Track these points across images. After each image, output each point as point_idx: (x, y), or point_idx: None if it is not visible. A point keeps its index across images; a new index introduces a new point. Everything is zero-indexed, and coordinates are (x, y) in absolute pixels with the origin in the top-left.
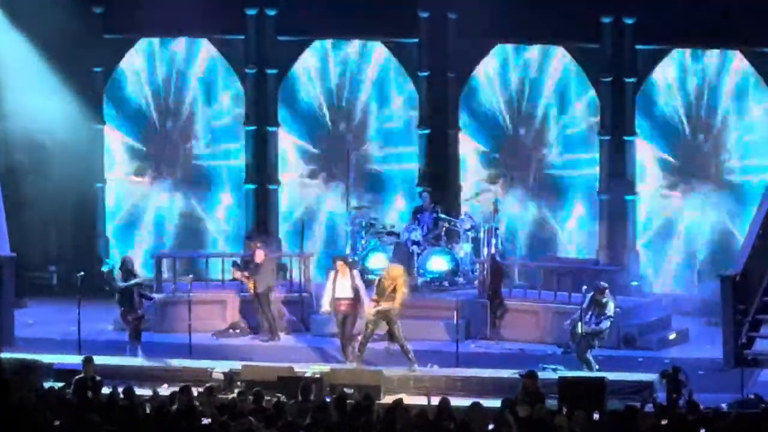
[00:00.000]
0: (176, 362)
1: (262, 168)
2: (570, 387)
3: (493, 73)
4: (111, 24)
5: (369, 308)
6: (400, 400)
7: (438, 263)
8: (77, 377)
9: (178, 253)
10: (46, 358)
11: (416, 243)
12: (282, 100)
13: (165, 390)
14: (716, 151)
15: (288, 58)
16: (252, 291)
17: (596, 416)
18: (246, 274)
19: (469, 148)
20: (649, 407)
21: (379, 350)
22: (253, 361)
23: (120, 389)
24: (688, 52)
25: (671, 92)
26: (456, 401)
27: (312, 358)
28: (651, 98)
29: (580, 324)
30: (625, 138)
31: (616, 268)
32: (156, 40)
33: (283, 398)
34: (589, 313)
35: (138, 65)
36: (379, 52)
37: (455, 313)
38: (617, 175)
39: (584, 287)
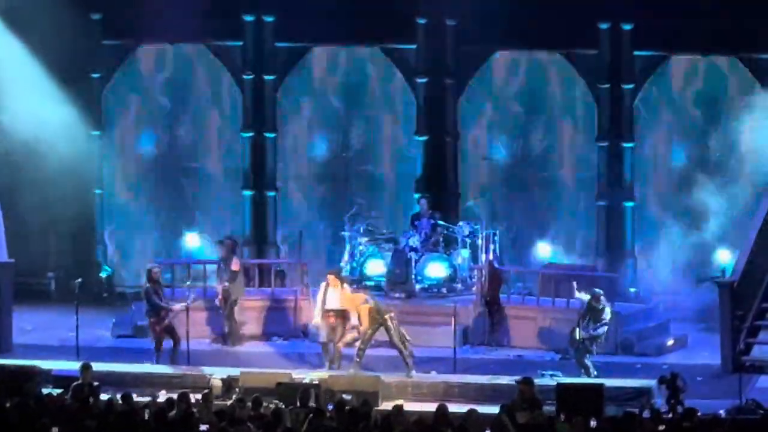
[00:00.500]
0: (174, 368)
1: (260, 174)
2: (568, 393)
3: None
4: (109, 30)
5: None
6: (400, 406)
7: (436, 269)
8: (75, 383)
9: (175, 260)
10: (45, 365)
11: (414, 249)
12: (281, 106)
13: (163, 396)
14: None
15: (286, 65)
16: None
17: (594, 423)
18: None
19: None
20: (647, 414)
21: (377, 356)
22: (252, 367)
23: (118, 395)
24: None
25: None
26: (454, 408)
27: (310, 365)
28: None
29: (577, 330)
30: (623, 144)
31: (613, 274)
32: (154, 46)
33: (281, 405)
34: (586, 318)
35: (136, 71)
36: (377, 58)
37: (453, 319)
38: (615, 182)
39: (574, 282)
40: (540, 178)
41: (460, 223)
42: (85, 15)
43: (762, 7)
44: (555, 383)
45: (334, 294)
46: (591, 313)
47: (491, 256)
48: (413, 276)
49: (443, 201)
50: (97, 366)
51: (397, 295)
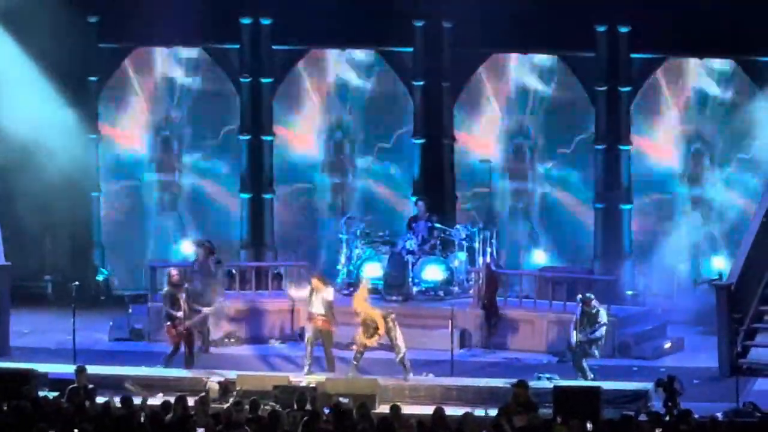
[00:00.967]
0: (171, 371)
1: (257, 177)
2: (565, 396)
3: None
4: (106, 33)
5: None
6: (397, 407)
7: (433, 272)
8: (70, 387)
9: (174, 263)
10: (42, 368)
11: (411, 252)
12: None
13: (159, 399)
14: (714, 160)
15: (283, 67)
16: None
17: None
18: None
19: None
20: (643, 417)
21: (374, 360)
22: (249, 370)
23: (116, 398)
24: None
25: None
26: (452, 411)
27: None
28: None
29: (575, 333)
30: (621, 147)
31: (611, 277)
32: (151, 49)
33: (278, 407)
34: (583, 323)
35: (133, 74)
36: (374, 60)
37: (450, 322)
38: (613, 184)
39: (578, 296)
40: (537, 179)
41: (457, 226)
42: (82, 18)
43: (759, 10)
44: (552, 386)
45: (319, 297)
46: (585, 317)
47: (488, 259)
48: (410, 279)
49: (440, 204)
50: (95, 369)
51: (394, 298)
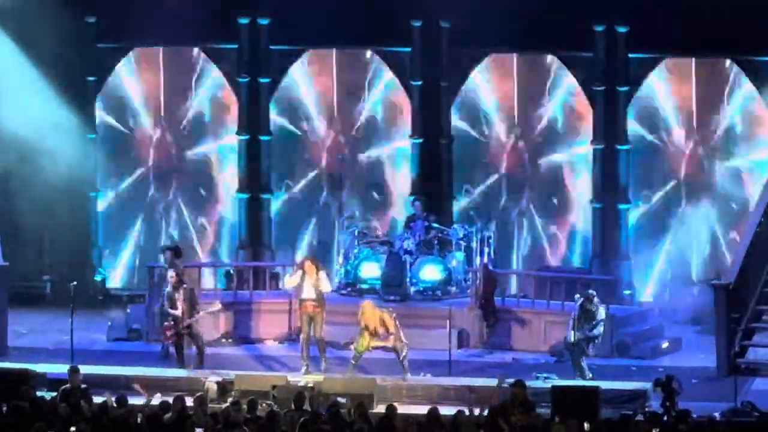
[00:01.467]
0: (169, 371)
1: (255, 177)
2: (563, 396)
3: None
4: (104, 33)
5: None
6: (393, 407)
7: (430, 272)
8: (63, 387)
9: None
10: (40, 368)
11: (409, 252)
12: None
13: (158, 399)
14: (710, 160)
15: (281, 67)
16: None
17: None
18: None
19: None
20: (640, 417)
21: (372, 359)
22: (247, 370)
23: (113, 398)
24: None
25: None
26: (449, 410)
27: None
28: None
29: (573, 332)
30: (618, 147)
31: (609, 277)
32: (148, 50)
33: (276, 407)
34: (581, 321)
35: (130, 74)
36: (372, 60)
37: (448, 322)
38: (610, 184)
39: (576, 296)
40: (535, 179)
41: (455, 226)
42: (79, 18)
43: (757, 9)
44: (550, 386)
45: (310, 281)
46: (585, 314)
47: (486, 259)
48: (408, 279)
49: (438, 203)
50: (92, 369)
51: (391, 298)
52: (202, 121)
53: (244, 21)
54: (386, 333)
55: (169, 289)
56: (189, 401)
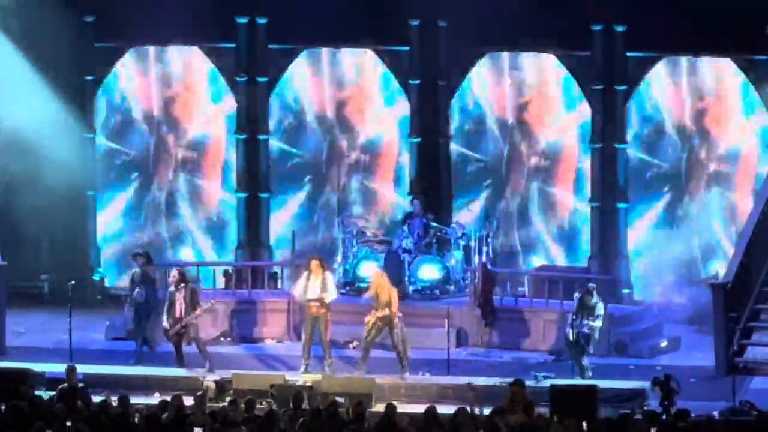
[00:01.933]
0: (167, 371)
1: (253, 176)
2: (562, 395)
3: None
4: (102, 32)
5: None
6: (393, 406)
7: (429, 271)
8: (60, 386)
9: (170, 261)
10: (38, 367)
11: (407, 251)
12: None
13: (156, 398)
14: (708, 158)
15: (279, 67)
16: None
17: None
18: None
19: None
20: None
21: (371, 358)
22: (245, 369)
23: (113, 398)
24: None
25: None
26: (448, 409)
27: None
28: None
29: (572, 331)
30: (616, 146)
31: (607, 276)
32: (147, 49)
33: (274, 406)
34: (579, 316)
35: (129, 73)
36: (370, 59)
37: (446, 321)
38: (608, 183)
39: (575, 294)
40: (532, 179)
41: (453, 225)
42: (78, 17)
43: (755, 8)
44: (549, 385)
45: (316, 282)
46: (584, 309)
47: (484, 258)
48: (406, 278)
49: (436, 202)
50: (91, 369)
51: None
52: (200, 119)
53: (242, 20)
54: (388, 303)
55: (171, 288)
56: (187, 400)
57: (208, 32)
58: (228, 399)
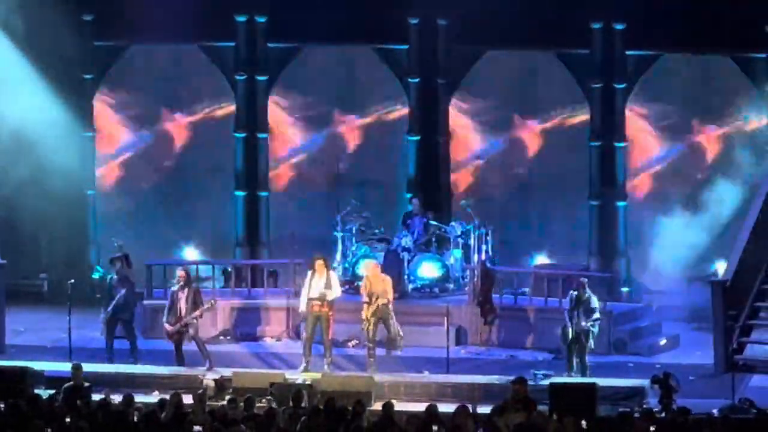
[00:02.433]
0: (167, 369)
1: (252, 174)
2: (561, 393)
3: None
4: (101, 31)
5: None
6: (390, 404)
7: (428, 270)
8: (66, 385)
9: (168, 261)
10: (37, 366)
11: (407, 249)
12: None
13: (156, 397)
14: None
15: (278, 65)
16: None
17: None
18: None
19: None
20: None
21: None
22: (244, 368)
23: (113, 396)
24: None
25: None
26: (448, 408)
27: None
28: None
29: (571, 328)
30: (616, 144)
31: (606, 274)
32: (146, 47)
33: (274, 405)
34: (575, 313)
35: (128, 72)
36: (369, 57)
37: (446, 319)
38: (608, 181)
39: (572, 292)
40: (532, 177)
41: (453, 223)
42: (77, 16)
43: (754, 6)
44: (548, 383)
45: (320, 282)
46: (580, 305)
47: (483, 256)
48: (406, 276)
49: (435, 201)
50: (89, 367)
51: None
52: (200, 118)
53: (241, 18)
54: (384, 292)
55: (175, 287)
56: (187, 399)
57: (208, 30)
58: (227, 397)
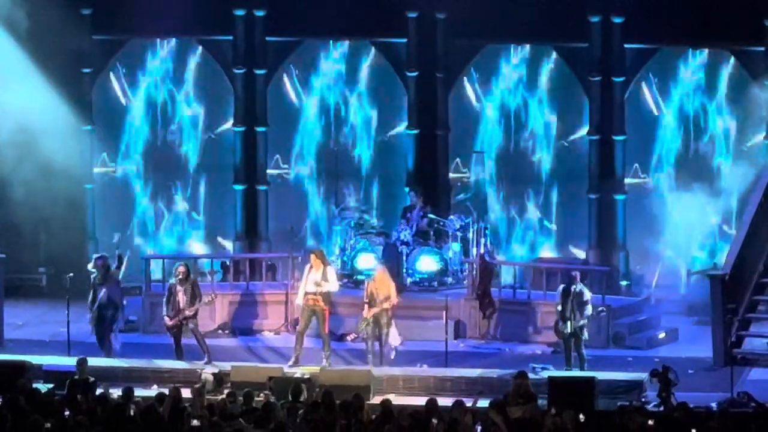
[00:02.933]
0: (166, 363)
1: (251, 168)
2: (560, 387)
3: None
4: (100, 25)
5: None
6: (389, 401)
7: (427, 263)
8: (71, 378)
9: (166, 254)
10: (36, 360)
11: (405, 243)
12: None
13: (154, 391)
14: (706, 150)
15: (276, 59)
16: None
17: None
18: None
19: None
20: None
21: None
22: (243, 362)
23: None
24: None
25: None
26: (446, 401)
27: (301, 359)
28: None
29: (569, 323)
30: (614, 137)
31: (605, 267)
32: (144, 41)
33: (273, 399)
34: (571, 306)
35: (126, 66)
36: (368, 52)
37: (444, 313)
38: (607, 175)
39: (561, 286)
40: (530, 171)
41: (451, 217)
42: (75, 10)
43: (753, 1)
44: (547, 377)
45: (316, 275)
46: (573, 300)
47: (482, 250)
48: (404, 270)
49: (434, 194)
50: (89, 361)
51: None
52: (198, 112)
53: (240, 12)
54: (386, 298)
55: (173, 281)
56: (185, 393)
57: (206, 24)
58: (226, 391)
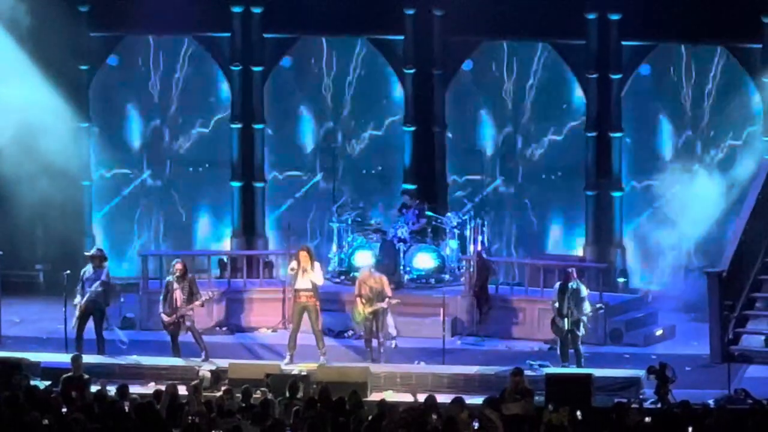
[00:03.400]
0: (163, 360)
1: (248, 165)
2: (557, 384)
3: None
4: (97, 22)
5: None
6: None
7: (424, 260)
8: (66, 375)
9: (164, 252)
10: (33, 357)
11: (402, 240)
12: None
13: (151, 388)
14: (704, 146)
15: (274, 56)
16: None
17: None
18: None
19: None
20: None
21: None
22: (240, 358)
23: (108, 387)
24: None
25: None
26: (443, 398)
27: (299, 356)
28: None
29: (566, 320)
30: (611, 134)
31: (602, 264)
32: (141, 38)
33: (270, 395)
34: (567, 303)
35: (123, 62)
36: (364, 48)
37: (442, 310)
38: (604, 172)
39: (558, 283)
40: (528, 168)
41: (449, 214)
42: (72, 7)
43: None
44: (544, 374)
45: (306, 273)
46: (571, 296)
47: (479, 247)
48: (401, 266)
49: (432, 191)
50: (86, 358)
51: None
52: (196, 109)
53: (237, 9)
54: (381, 294)
55: (170, 278)
56: (182, 390)
57: (203, 21)
58: (223, 388)
